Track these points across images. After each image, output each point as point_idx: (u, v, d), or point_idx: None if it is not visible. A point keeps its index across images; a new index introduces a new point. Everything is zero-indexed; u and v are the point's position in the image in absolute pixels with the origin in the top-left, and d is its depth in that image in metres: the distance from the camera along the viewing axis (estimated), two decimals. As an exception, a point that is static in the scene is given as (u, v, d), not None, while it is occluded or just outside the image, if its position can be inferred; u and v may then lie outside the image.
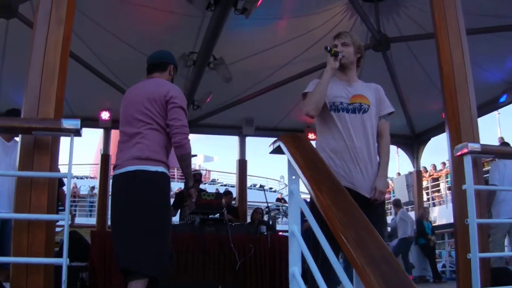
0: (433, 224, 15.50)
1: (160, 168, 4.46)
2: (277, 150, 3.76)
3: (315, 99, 4.30)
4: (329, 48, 4.45)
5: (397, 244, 13.86)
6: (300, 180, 3.44)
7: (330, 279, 3.14)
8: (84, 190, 29.04)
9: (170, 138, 4.59)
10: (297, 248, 3.37)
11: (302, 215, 3.47)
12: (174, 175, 30.07)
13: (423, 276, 14.06)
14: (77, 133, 3.83)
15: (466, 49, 5.40)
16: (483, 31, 9.35)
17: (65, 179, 4.52)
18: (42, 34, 4.23)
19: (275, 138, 3.83)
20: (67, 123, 3.75)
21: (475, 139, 5.07)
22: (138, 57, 8.94)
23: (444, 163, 24.62)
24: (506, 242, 9.00)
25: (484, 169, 14.51)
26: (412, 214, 16.10)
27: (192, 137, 6.42)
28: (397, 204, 15.23)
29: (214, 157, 48.96)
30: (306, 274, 3.50)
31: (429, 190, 24.75)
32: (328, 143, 4.35)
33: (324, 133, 4.42)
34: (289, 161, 3.51)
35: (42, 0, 4.34)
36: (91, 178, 33.01)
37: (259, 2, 8.10)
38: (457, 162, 4.91)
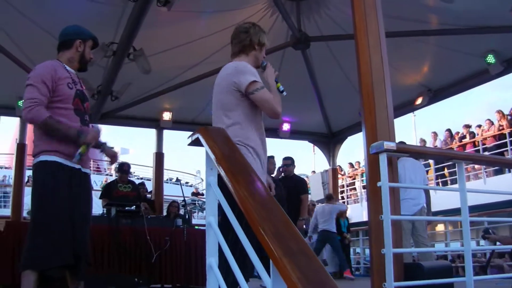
0: (349, 222, 15.60)
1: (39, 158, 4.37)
2: (195, 142, 3.74)
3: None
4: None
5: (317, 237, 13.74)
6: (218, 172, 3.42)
7: (247, 270, 3.13)
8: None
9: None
10: (214, 240, 3.34)
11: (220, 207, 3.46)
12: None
13: (337, 272, 14.15)
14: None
15: (384, 51, 5.49)
16: (402, 35, 9.57)
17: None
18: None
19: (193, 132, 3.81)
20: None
21: (391, 138, 5.17)
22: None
23: (359, 162, 25.03)
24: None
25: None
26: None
27: (108, 128, 6.25)
28: (329, 197, 15.14)
29: (130, 149, 48.43)
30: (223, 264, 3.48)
31: (345, 188, 25.10)
32: (250, 138, 4.24)
33: (244, 126, 4.28)
34: (207, 153, 3.48)
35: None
36: (6, 168, 31.89)
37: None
38: (372, 160, 4.99)
